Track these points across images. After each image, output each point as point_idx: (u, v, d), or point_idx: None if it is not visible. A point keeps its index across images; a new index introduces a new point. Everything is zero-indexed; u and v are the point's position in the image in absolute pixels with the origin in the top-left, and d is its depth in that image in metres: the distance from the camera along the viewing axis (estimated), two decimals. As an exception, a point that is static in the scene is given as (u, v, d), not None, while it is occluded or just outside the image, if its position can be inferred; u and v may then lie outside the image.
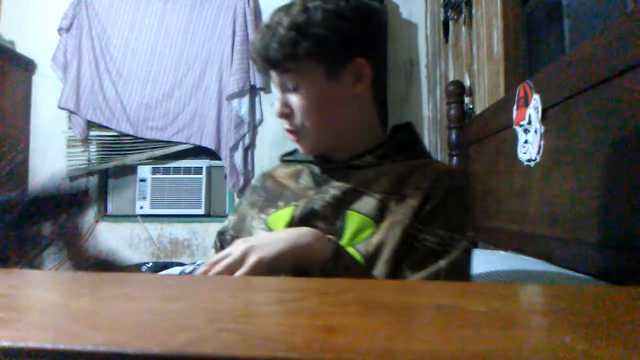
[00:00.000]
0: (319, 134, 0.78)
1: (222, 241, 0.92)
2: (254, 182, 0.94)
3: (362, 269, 0.69)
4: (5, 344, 0.20)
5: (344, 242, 0.72)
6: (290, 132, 0.79)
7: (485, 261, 1.21)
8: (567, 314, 0.23)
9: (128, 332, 0.22)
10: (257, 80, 2.86)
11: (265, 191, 0.88)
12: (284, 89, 0.77)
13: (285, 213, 0.78)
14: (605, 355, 0.17)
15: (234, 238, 0.85)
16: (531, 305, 0.26)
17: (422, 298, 0.26)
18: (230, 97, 2.85)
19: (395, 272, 0.69)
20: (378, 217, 0.72)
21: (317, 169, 0.83)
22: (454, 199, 0.74)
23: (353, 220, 0.73)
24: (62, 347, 0.20)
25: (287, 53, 0.73)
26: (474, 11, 1.99)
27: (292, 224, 0.75)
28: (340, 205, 0.74)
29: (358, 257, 0.70)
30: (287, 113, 0.77)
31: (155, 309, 0.27)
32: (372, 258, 0.70)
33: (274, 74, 0.77)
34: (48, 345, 0.20)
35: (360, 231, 0.72)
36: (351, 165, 0.79)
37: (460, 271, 0.70)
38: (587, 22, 1.41)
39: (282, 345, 0.19)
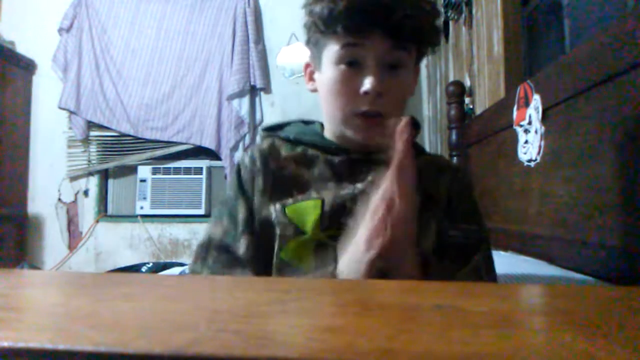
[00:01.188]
0: (395, 111, 0.71)
1: (231, 250, 0.73)
2: (249, 163, 0.78)
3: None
4: (5, 344, 0.20)
5: None
6: (371, 116, 0.70)
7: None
8: (567, 314, 0.23)
9: (128, 332, 0.22)
10: (257, 80, 2.86)
11: (272, 175, 0.75)
12: (384, 66, 0.69)
13: (311, 206, 0.71)
14: (605, 355, 0.17)
15: (254, 237, 0.73)
16: (531, 305, 0.26)
17: (422, 298, 0.26)
18: (230, 97, 2.85)
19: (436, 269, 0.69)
20: None
21: (335, 159, 0.74)
22: (470, 192, 0.78)
23: None
24: (62, 347, 0.20)
25: (433, 31, 0.71)
26: (474, 11, 1.99)
27: (323, 219, 0.70)
28: (368, 202, 0.68)
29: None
30: (384, 92, 0.68)
31: (155, 309, 0.27)
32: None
33: (381, 43, 0.67)
34: (48, 345, 0.20)
35: None
36: (374, 159, 0.72)
37: (492, 262, 0.73)
38: (587, 22, 1.41)
39: (282, 345, 0.19)
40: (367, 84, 0.67)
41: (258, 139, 0.84)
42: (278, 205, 0.73)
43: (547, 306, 0.26)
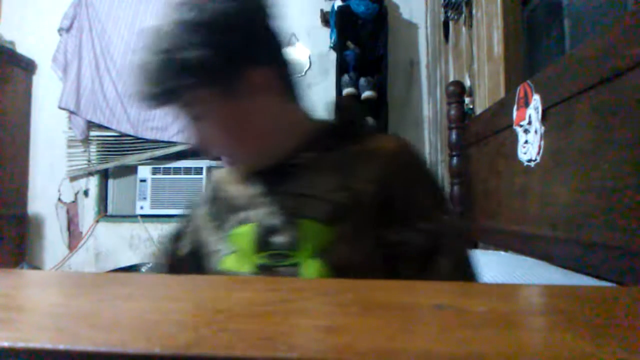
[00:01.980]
0: (240, 154, 0.72)
1: (175, 249, 0.83)
2: (206, 189, 0.85)
3: None
4: (5, 344, 0.20)
5: (304, 253, 0.66)
6: (219, 158, 0.73)
7: (487, 262, 1.21)
8: (567, 314, 0.23)
9: (128, 332, 0.22)
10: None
11: (219, 201, 0.80)
12: (191, 121, 0.69)
13: (247, 231, 0.71)
14: (605, 355, 0.17)
15: (194, 253, 0.80)
16: (531, 305, 0.26)
17: (422, 298, 0.26)
18: (230, 97, 2.85)
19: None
20: (333, 220, 0.66)
21: (260, 174, 0.75)
22: (415, 178, 0.68)
23: (307, 228, 0.66)
24: (62, 347, 0.20)
25: (171, 90, 0.64)
26: (474, 11, 1.99)
27: (258, 242, 0.69)
28: (293, 214, 0.68)
29: (321, 269, 0.64)
30: (204, 145, 0.70)
31: (156, 309, 0.27)
32: (341, 268, 0.64)
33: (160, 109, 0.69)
34: (48, 345, 0.20)
35: (317, 239, 0.66)
36: (290, 164, 0.71)
37: (463, 262, 0.65)
38: (587, 22, 1.41)
39: (282, 345, 0.19)
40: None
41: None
42: (222, 233, 0.75)
43: (547, 306, 0.26)
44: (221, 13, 0.62)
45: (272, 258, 0.68)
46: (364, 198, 0.65)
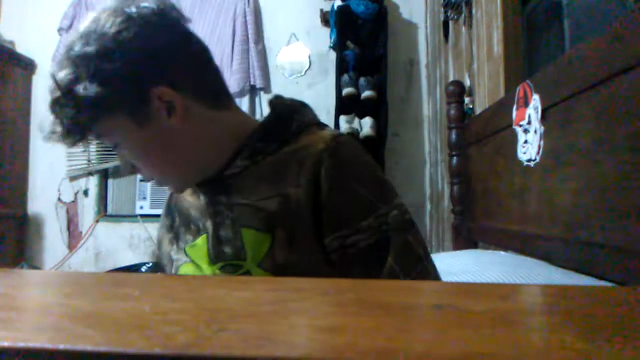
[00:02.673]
0: (170, 176, 0.71)
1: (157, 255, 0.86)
2: (166, 201, 0.87)
3: None
4: (5, 344, 0.20)
5: (250, 262, 0.65)
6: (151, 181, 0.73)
7: (488, 262, 1.21)
8: (567, 314, 0.23)
9: (128, 332, 0.22)
10: (257, 80, 2.86)
11: (177, 213, 0.80)
12: (113, 148, 0.69)
13: (202, 244, 0.72)
14: (605, 355, 0.17)
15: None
16: (531, 305, 0.26)
17: (422, 298, 0.26)
18: (230, 97, 2.85)
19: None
20: (269, 228, 0.64)
21: (201, 187, 0.73)
22: (347, 175, 0.63)
23: (248, 237, 0.66)
24: (62, 347, 0.20)
25: (76, 127, 0.63)
26: (474, 11, 1.99)
27: (211, 254, 0.70)
28: (235, 225, 0.67)
29: (265, 276, 0.64)
30: (131, 170, 0.70)
31: (155, 309, 0.27)
32: (280, 274, 0.63)
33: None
34: (48, 345, 0.20)
35: (258, 248, 0.64)
36: (226, 175, 0.69)
37: (412, 254, 0.61)
38: (587, 22, 1.41)
39: (282, 345, 0.19)
40: None
41: None
42: (182, 244, 0.76)
43: (547, 306, 0.26)
44: (110, 40, 0.59)
45: (226, 269, 0.68)
46: (295, 203, 0.63)
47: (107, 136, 0.66)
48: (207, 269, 0.71)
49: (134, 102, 0.62)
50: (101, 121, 0.63)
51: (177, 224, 0.79)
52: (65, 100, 0.62)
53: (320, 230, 0.62)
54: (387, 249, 0.60)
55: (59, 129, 0.64)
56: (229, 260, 0.68)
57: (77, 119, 0.62)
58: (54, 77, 0.63)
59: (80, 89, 0.60)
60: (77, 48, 0.61)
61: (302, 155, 0.65)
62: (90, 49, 0.60)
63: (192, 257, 0.74)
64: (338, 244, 0.61)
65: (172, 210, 0.82)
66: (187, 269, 0.74)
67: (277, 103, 0.74)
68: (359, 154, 0.67)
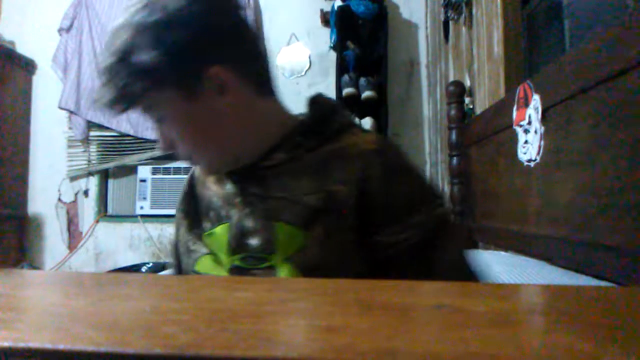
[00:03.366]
0: (208, 156, 0.69)
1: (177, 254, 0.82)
2: (185, 186, 0.83)
3: None
4: (5, 344, 0.20)
5: (278, 257, 0.64)
6: (184, 159, 0.71)
7: (488, 262, 1.21)
8: (567, 314, 0.23)
9: (128, 332, 0.22)
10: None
11: (195, 198, 0.78)
12: (155, 122, 0.68)
13: (221, 232, 0.70)
14: (605, 356, 0.17)
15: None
16: (531, 305, 0.26)
17: (422, 298, 0.26)
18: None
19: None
20: (307, 224, 0.63)
21: (232, 175, 0.72)
22: (396, 176, 0.65)
23: (282, 231, 0.65)
24: (62, 347, 0.20)
25: (127, 94, 0.61)
26: (474, 11, 1.99)
27: (232, 244, 0.68)
28: (268, 217, 0.66)
29: (293, 273, 0.63)
30: (170, 147, 0.68)
31: (155, 309, 0.27)
32: (312, 272, 0.62)
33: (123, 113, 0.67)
34: (48, 345, 0.20)
35: (291, 243, 0.64)
36: (263, 166, 0.68)
37: (459, 254, 0.64)
38: (587, 22, 1.41)
39: (282, 345, 0.19)
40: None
41: None
42: (198, 232, 0.74)
43: (547, 306, 0.26)
44: (174, 12, 0.59)
45: (247, 260, 0.67)
46: (339, 200, 0.63)
47: (154, 108, 0.65)
48: (224, 259, 0.69)
49: (188, 76, 0.62)
50: (152, 91, 0.62)
51: (194, 210, 0.77)
52: (120, 67, 0.60)
53: (365, 228, 0.62)
54: (434, 246, 0.61)
55: (107, 96, 0.62)
56: (253, 252, 0.66)
57: (129, 87, 0.60)
58: (109, 42, 0.61)
59: (138, 56, 0.59)
60: (139, 16, 0.60)
61: (347, 153, 0.66)
62: (154, 17, 0.59)
63: (210, 246, 0.72)
64: (387, 240, 0.62)
65: (191, 195, 0.80)
66: (205, 263, 0.71)
67: (318, 101, 0.74)
68: (404, 157, 0.69)
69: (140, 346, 0.20)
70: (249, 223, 0.67)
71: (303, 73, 2.92)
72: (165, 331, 0.22)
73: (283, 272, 0.64)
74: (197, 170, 0.81)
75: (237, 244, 0.68)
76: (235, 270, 0.67)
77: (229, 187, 0.72)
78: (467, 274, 0.63)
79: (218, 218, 0.72)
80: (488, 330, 0.20)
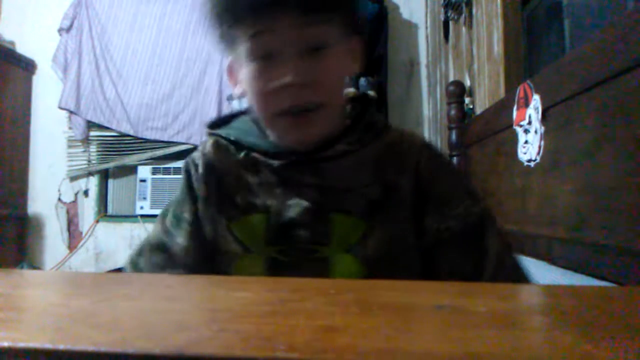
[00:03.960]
0: (332, 115, 0.62)
1: (169, 256, 0.68)
2: (192, 168, 0.70)
3: None
4: (5, 344, 0.20)
5: (335, 248, 0.62)
6: (298, 113, 0.59)
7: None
8: (567, 314, 0.23)
9: (128, 332, 0.22)
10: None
11: (216, 183, 0.68)
12: (304, 50, 0.57)
13: (256, 221, 0.64)
14: (605, 355, 0.17)
15: (195, 245, 0.67)
16: (531, 305, 0.26)
17: (422, 298, 0.26)
18: (230, 97, 2.85)
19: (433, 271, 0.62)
20: (367, 215, 0.63)
21: (275, 162, 0.64)
22: (445, 169, 0.68)
23: (341, 223, 0.63)
24: (62, 347, 0.20)
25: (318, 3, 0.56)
26: (474, 11, 1.99)
27: (269, 234, 0.64)
28: (322, 209, 0.63)
29: (355, 264, 0.62)
30: (308, 82, 0.57)
31: (155, 309, 0.27)
32: (373, 262, 0.62)
33: (291, 22, 0.55)
34: (48, 345, 0.20)
35: (350, 234, 0.63)
36: (322, 157, 0.64)
37: (507, 245, 0.65)
38: (587, 22, 1.41)
39: (282, 345, 0.19)
40: (286, 74, 0.57)
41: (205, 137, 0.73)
42: (223, 220, 0.66)
43: (547, 306, 0.26)
44: None
45: (291, 253, 0.63)
46: (397, 191, 0.64)
47: (330, 27, 0.59)
48: (258, 250, 0.64)
49: (358, 19, 0.62)
50: (342, 12, 0.60)
51: (215, 194, 0.68)
52: None
53: (419, 214, 0.63)
54: (480, 234, 0.62)
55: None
56: (301, 244, 0.63)
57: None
58: None
59: None
60: None
61: (400, 147, 0.67)
62: None
63: (239, 234, 0.65)
64: (436, 225, 0.63)
65: (208, 178, 0.69)
66: (244, 263, 0.66)
67: (362, 99, 0.72)
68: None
69: (140, 346, 0.20)
70: (294, 214, 0.63)
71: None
72: (165, 331, 0.22)
73: (341, 263, 0.62)
74: (211, 151, 0.70)
75: (277, 235, 0.64)
76: (272, 263, 0.64)
77: (267, 175, 0.65)
78: (515, 270, 0.64)
79: (249, 206, 0.65)
80: (488, 330, 0.20)
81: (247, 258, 0.66)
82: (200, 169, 0.69)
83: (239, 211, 0.66)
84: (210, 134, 0.71)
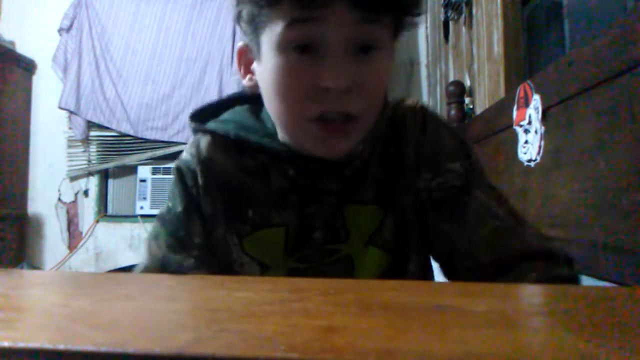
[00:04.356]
0: (368, 126, 0.54)
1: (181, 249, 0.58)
2: (189, 177, 0.60)
3: None
4: (5, 344, 0.20)
5: (352, 243, 0.58)
6: (334, 120, 0.50)
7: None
8: (567, 314, 0.23)
9: (128, 332, 0.22)
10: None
11: (222, 195, 0.59)
12: (352, 48, 0.49)
13: (273, 237, 0.58)
14: (605, 356, 0.17)
15: (206, 255, 0.58)
16: (531, 305, 0.26)
17: (422, 298, 0.26)
18: (230, 97, 2.85)
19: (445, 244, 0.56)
20: (379, 199, 0.58)
21: (291, 170, 0.57)
22: (443, 129, 0.62)
23: (357, 213, 0.58)
24: (62, 347, 0.20)
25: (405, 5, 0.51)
26: (474, 11, 1.99)
27: (287, 247, 0.58)
28: (338, 207, 0.58)
29: (378, 254, 0.58)
30: (354, 86, 0.49)
31: (155, 308, 0.27)
32: (393, 245, 0.58)
33: (345, 15, 0.46)
34: (48, 345, 0.20)
35: (368, 223, 0.58)
36: (343, 162, 0.57)
37: (498, 191, 0.59)
38: (587, 22, 1.41)
39: (282, 345, 0.19)
40: (330, 76, 0.47)
41: (192, 135, 0.62)
42: (234, 239, 0.59)
43: (547, 306, 0.26)
44: None
45: (311, 258, 0.58)
46: (402, 162, 0.59)
47: (382, 28, 0.51)
48: (277, 264, 0.59)
49: (407, 23, 0.54)
50: (405, 12, 0.52)
51: (222, 207, 0.59)
52: None
53: (415, 178, 0.59)
54: (471, 190, 0.56)
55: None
56: (319, 247, 0.58)
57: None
58: None
59: None
60: None
61: (400, 120, 0.61)
62: None
63: (255, 253, 0.59)
64: (426, 185, 0.57)
65: (213, 187, 0.60)
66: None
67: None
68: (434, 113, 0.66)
69: (140, 346, 0.20)
70: (313, 221, 0.58)
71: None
72: (165, 331, 0.22)
73: (365, 257, 0.58)
74: (203, 152, 0.61)
75: (295, 245, 0.58)
76: (293, 273, 0.58)
77: (279, 181, 0.58)
78: (508, 213, 0.58)
79: (263, 220, 0.58)
80: (488, 330, 0.20)
81: (267, 275, 0.60)
82: (200, 179, 0.59)
83: (251, 227, 0.58)
84: (203, 131, 0.61)
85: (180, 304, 0.29)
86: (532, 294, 0.30)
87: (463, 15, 2.14)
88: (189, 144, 0.64)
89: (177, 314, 0.26)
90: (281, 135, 0.58)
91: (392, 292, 0.27)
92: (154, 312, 0.27)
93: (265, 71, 0.52)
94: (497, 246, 0.54)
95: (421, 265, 0.62)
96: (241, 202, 0.59)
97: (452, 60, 2.39)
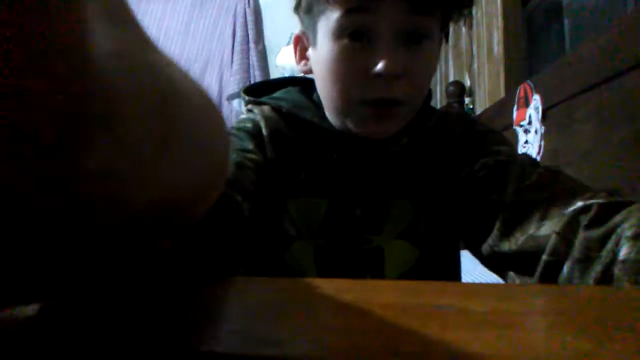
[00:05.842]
0: (413, 111, 0.58)
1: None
2: (261, 129, 0.61)
3: None
4: (9, 344, 0.20)
5: (384, 236, 0.59)
6: (384, 104, 0.54)
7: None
8: (567, 314, 0.23)
9: (129, 332, 0.22)
10: (257, 80, 2.86)
11: (284, 149, 0.61)
12: (402, 37, 0.52)
13: (315, 205, 0.59)
14: (605, 355, 0.17)
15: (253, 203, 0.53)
16: (531, 305, 0.26)
17: (422, 298, 0.26)
18: (230, 97, 2.85)
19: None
20: (420, 197, 0.60)
21: (334, 154, 0.60)
22: (492, 137, 0.63)
23: (398, 209, 0.60)
24: (64, 347, 0.20)
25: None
26: (474, 11, 1.99)
27: (326, 223, 0.59)
28: (380, 198, 0.61)
29: (408, 248, 0.60)
30: (403, 73, 0.52)
31: (157, 309, 0.27)
32: (426, 242, 0.60)
33: (397, 6, 0.50)
34: (48, 346, 0.20)
35: (401, 217, 0.60)
36: (387, 151, 0.61)
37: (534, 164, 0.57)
38: (587, 22, 1.41)
39: (282, 345, 0.19)
40: (381, 62, 0.51)
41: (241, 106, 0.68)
42: (282, 194, 0.60)
43: (547, 306, 0.26)
44: None
45: (342, 242, 0.60)
46: (447, 169, 0.61)
47: (434, 17, 0.55)
48: (311, 235, 0.60)
49: (459, 15, 0.59)
50: (455, 4, 0.57)
51: (280, 164, 0.61)
52: None
53: (455, 172, 0.60)
54: (515, 159, 0.56)
55: None
56: (354, 234, 0.60)
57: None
58: None
59: None
60: None
61: (449, 130, 0.65)
62: None
63: (296, 215, 0.60)
64: (469, 172, 0.58)
65: (271, 143, 0.61)
66: (295, 248, 0.61)
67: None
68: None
69: (142, 346, 0.20)
70: (355, 204, 0.60)
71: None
72: (167, 331, 0.22)
73: (395, 250, 0.59)
74: (274, 118, 0.63)
75: (333, 223, 0.60)
76: (322, 252, 0.59)
77: (328, 159, 0.61)
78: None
79: (313, 187, 0.60)
80: (488, 330, 0.20)
81: (298, 243, 0.60)
82: (264, 131, 0.61)
83: (300, 189, 0.60)
84: (257, 103, 0.64)
85: (181, 303, 0.29)
86: (532, 294, 0.30)
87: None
88: (243, 116, 0.65)
89: (179, 314, 0.26)
90: (330, 118, 0.61)
91: (392, 292, 0.27)
92: (155, 312, 0.27)
93: (320, 56, 0.56)
94: (548, 187, 0.52)
95: (450, 261, 0.64)
96: (298, 162, 0.61)
97: (452, 60, 2.39)
